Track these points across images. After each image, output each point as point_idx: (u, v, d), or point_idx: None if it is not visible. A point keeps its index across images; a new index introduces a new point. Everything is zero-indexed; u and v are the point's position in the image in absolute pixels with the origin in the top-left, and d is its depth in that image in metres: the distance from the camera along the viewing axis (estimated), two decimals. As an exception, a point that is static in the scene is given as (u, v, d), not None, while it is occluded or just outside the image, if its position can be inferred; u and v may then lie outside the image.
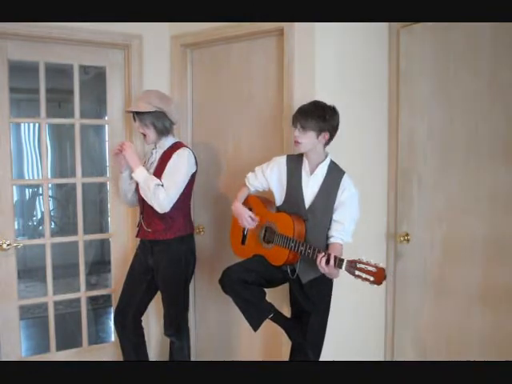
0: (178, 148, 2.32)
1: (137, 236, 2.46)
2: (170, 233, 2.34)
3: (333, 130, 2.02)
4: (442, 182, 2.33)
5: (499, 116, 2.12)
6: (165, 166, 2.29)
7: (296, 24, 2.31)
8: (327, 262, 1.85)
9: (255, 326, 2.07)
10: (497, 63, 2.12)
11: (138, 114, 2.28)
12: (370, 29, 2.41)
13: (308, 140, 2.00)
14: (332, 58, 2.33)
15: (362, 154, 2.44)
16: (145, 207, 2.36)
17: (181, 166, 2.28)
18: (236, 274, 2.03)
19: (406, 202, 2.49)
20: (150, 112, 2.26)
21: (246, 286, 2.02)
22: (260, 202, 2.24)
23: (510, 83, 2.08)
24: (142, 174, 2.27)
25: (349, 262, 1.81)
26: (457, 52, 2.25)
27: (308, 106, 2.02)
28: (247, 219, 2.14)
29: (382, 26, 2.48)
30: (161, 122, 2.29)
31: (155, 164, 2.35)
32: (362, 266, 1.77)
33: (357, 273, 1.78)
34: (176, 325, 2.48)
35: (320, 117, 1.97)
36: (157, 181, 2.25)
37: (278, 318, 2.12)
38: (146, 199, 2.28)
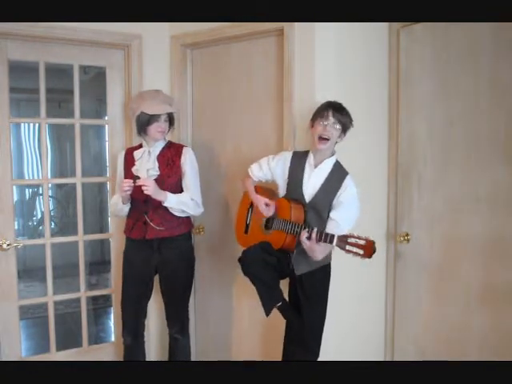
0: (180, 147, 2.42)
1: (144, 237, 2.33)
2: (184, 226, 2.40)
3: (346, 132, 2.07)
4: (442, 182, 2.33)
5: (499, 116, 2.12)
6: (170, 162, 2.34)
7: (296, 24, 2.31)
8: (309, 237, 1.87)
9: (269, 310, 2.07)
10: (497, 63, 2.12)
11: (168, 116, 2.33)
12: (370, 29, 2.41)
13: (336, 135, 2.02)
14: (332, 58, 2.33)
15: (362, 153, 2.43)
16: (153, 206, 2.30)
17: (197, 168, 2.42)
18: (258, 253, 2.03)
19: (406, 202, 2.49)
20: (174, 114, 2.38)
21: (266, 267, 2.03)
22: (263, 191, 2.26)
23: (510, 83, 2.09)
24: (173, 200, 2.27)
25: (339, 237, 1.82)
26: (457, 52, 2.25)
27: (339, 104, 2.05)
28: (264, 207, 2.12)
29: (382, 26, 2.48)
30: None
31: (156, 164, 2.33)
32: (353, 240, 1.78)
33: (347, 247, 1.79)
34: (183, 322, 2.49)
35: (349, 117, 2.03)
36: (186, 195, 2.33)
37: (286, 307, 2.12)
38: (184, 214, 2.35)
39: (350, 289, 2.43)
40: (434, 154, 2.36)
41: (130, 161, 2.39)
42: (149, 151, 2.36)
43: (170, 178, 2.33)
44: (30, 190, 5.99)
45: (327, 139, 2.01)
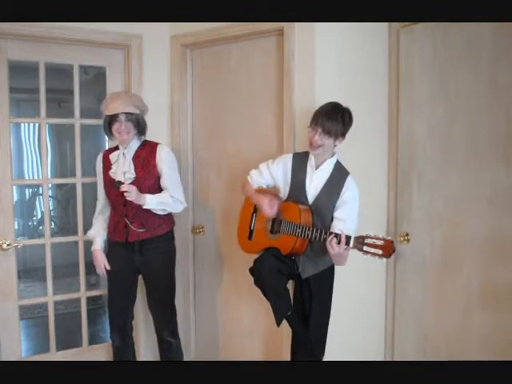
0: (154, 145, 2.36)
1: (126, 240, 2.32)
2: (165, 226, 2.37)
3: (347, 133, 2.04)
4: (442, 181, 2.33)
5: (499, 116, 2.12)
6: (145, 163, 2.30)
7: (296, 24, 2.31)
8: (338, 242, 1.83)
9: (281, 320, 2.06)
10: (497, 63, 2.12)
11: (127, 116, 2.24)
12: (370, 29, 2.41)
13: (328, 143, 1.99)
14: (332, 58, 2.33)
15: (362, 153, 2.44)
16: (132, 209, 2.28)
17: (174, 164, 2.38)
18: (272, 263, 2.00)
19: (406, 202, 2.49)
20: (137, 113, 2.28)
21: (279, 277, 2.01)
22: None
23: (510, 83, 2.08)
24: (153, 202, 2.25)
25: (356, 238, 1.80)
26: (457, 52, 2.25)
27: (332, 109, 2.00)
28: (267, 207, 2.07)
29: (382, 26, 2.48)
30: (143, 122, 2.34)
31: (132, 165, 2.29)
32: (370, 240, 1.75)
33: (365, 248, 1.76)
34: (174, 323, 2.48)
35: (343, 121, 1.98)
36: (166, 194, 2.30)
37: (294, 317, 2.12)
38: (166, 212, 2.33)
39: (350, 289, 2.43)
40: (434, 153, 2.36)
41: (107, 164, 2.36)
42: (123, 153, 2.32)
43: (147, 180, 2.29)
44: (30, 190, 5.99)
45: (319, 146, 1.99)
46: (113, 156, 2.34)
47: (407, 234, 2.48)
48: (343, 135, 2.02)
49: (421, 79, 2.38)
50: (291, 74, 2.35)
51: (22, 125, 5.76)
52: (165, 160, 2.32)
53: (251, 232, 2.26)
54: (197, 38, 2.69)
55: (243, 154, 2.66)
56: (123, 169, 2.29)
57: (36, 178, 5.80)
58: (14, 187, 2.67)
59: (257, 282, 2.05)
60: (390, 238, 1.76)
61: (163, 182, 2.32)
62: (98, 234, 2.42)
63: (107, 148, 2.51)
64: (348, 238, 1.82)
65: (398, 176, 2.51)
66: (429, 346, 2.44)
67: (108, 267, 2.39)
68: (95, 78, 3.87)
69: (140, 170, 2.29)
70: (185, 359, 2.61)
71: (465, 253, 2.27)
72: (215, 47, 2.71)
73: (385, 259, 1.76)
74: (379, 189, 2.55)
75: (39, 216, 5.93)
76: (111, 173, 2.31)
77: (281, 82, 2.43)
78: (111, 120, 2.25)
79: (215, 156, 2.79)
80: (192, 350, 2.96)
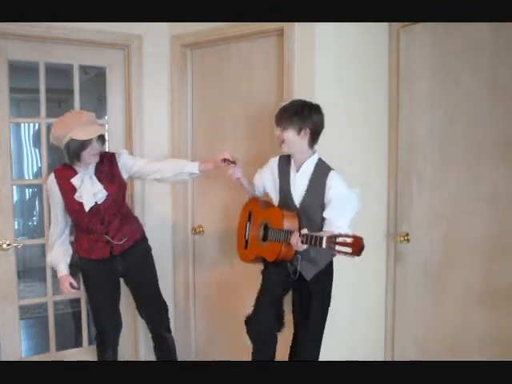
0: (111, 156, 2.30)
1: (110, 255, 2.28)
2: (140, 229, 2.43)
3: (314, 126, 1.99)
4: (442, 181, 2.33)
5: (499, 116, 2.12)
6: (111, 177, 2.25)
7: (296, 24, 2.31)
8: (302, 242, 1.83)
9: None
10: (497, 63, 2.12)
11: (99, 136, 2.17)
12: (370, 29, 2.41)
13: (288, 137, 1.99)
14: (332, 58, 2.33)
15: (361, 153, 2.44)
16: (110, 224, 2.26)
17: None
18: (270, 324, 2.14)
19: (406, 201, 2.49)
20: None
21: (272, 341, 2.16)
22: (259, 203, 2.25)
23: (510, 83, 2.08)
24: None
25: (328, 238, 1.75)
26: (457, 52, 2.25)
27: (286, 105, 2.04)
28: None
29: (382, 26, 2.47)
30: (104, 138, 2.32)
31: (101, 185, 2.20)
32: (341, 239, 1.70)
33: (337, 248, 1.71)
34: (167, 317, 2.50)
35: (297, 113, 1.97)
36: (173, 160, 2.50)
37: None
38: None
39: (349, 289, 2.43)
40: (434, 153, 2.36)
41: (67, 188, 2.20)
42: (90, 176, 2.20)
43: (120, 192, 2.28)
44: (30, 190, 5.99)
45: (282, 141, 2.01)
46: (76, 180, 2.19)
47: (407, 234, 2.48)
48: (306, 128, 1.97)
49: (421, 79, 2.38)
50: (291, 73, 2.35)
51: (22, 125, 5.76)
52: (124, 164, 2.29)
53: (246, 242, 2.26)
54: (197, 37, 2.69)
55: (243, 154, 2.64)
56: (92, 190, 2.18)
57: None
58: (14, 187, 2.67)
59: (249, 334, 2.17)
60: (359, 234, 1.69)
61: (143, 165, 2.32)
62: (62, 259, 2.30)
63: (58, 167, 2.27)
64: (321, 238, 1.76)
65: (398, 176, 2.51)
66: (429, 345, 2.44)
67: (75, 285, 2.31)
68: (95, 78, 3.87)
69: (109, 186, 2.23)
70: (185, 359, 2.62)
71: (465, 253, 2.27)
72: (215, 47, 2.71)
73: (356, 258, 1.68)
74: (379, 189, 2.55)
75: (39, 216, 5.93)
76: (77, 196, 2.18)
77: (281, 81, 2.43)
78: (84, 144, 2.09)
79: (214, 156, 2.78)
80: (192, 349, 2.96)
